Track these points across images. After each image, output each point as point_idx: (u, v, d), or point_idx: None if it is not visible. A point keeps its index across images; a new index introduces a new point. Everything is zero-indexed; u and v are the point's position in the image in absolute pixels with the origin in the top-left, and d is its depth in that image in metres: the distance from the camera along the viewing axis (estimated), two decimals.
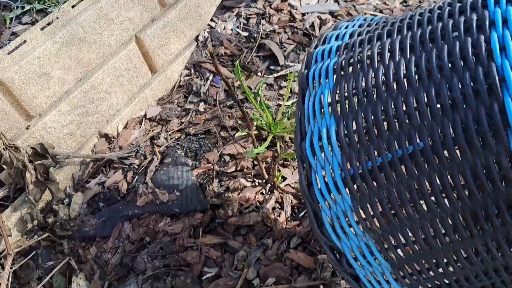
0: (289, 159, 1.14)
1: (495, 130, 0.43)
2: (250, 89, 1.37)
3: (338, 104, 0.53)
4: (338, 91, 0.53)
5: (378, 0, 1.66)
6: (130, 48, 1.22)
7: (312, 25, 1.52)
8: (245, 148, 1.18)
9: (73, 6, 1.03)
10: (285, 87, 1.36)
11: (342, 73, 0.54)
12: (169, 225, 1.03)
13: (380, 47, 0.53)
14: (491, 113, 0.43)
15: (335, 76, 0.55)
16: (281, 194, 1.06)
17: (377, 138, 0.49)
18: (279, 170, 1.10)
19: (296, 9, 1.59)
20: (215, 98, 1.36)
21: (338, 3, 1.63)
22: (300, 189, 0.57)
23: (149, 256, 0.98)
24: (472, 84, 0.44)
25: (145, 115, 1.32)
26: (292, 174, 1.11)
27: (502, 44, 0.44)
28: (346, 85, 0.52)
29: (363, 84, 0.51)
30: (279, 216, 1.02)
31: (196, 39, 1.49)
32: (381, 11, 1.60)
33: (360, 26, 0.64)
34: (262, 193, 1.08)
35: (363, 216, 0.54)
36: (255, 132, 1.20)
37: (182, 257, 0.98)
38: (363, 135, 0.50)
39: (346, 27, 0.65)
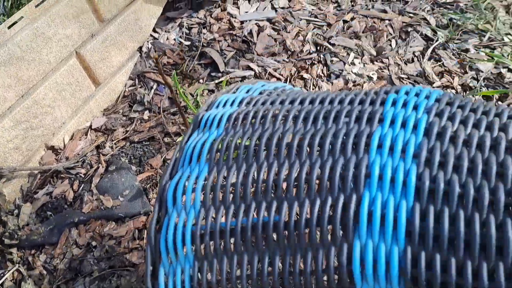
0: None
1: (345, 224, 0.43)
2: (192, 95, 1.45)
3: (218, 154, 0.52)
4: (223, 141, 0.52)
5: (313, 6, 1.77)
6: (71, 63, 1.27)
7: (251, 32, 1.61)
8: None
9: (9, 27, 1.08)
10: None
11: (234, 124, 0.54)
12: (114, 229, 1.10)
13: (275, 110, 0.54)
14: (348, 204, 0.43)
15: (226, 125, 0.54)
16: None
17: (240, 200, 0.48)
18: None
19: (235, 18, 1.68)
20: (159, 106, 1.43)
21: (276, 10, 1.72)
22: (147, 231, 0.52)
23: (95, 259, 1.05)
24: (341, 171, 0.45)
25: (90, 126, 1.38)
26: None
27: (380, 142, 0.46)
28: (232, 137, 0.52)
29: (247, 141, 0.52)
30: None
31: (140, 50, 1.56)
32: (316, 16, 1.70)
33: (274, 88, 0.67)
34: None
35: (200, 282, 0.50)
36: None
37: (127, 258, 1.05)
38: (228, 192, 0.49)
39: (263, 85, 0.67)
